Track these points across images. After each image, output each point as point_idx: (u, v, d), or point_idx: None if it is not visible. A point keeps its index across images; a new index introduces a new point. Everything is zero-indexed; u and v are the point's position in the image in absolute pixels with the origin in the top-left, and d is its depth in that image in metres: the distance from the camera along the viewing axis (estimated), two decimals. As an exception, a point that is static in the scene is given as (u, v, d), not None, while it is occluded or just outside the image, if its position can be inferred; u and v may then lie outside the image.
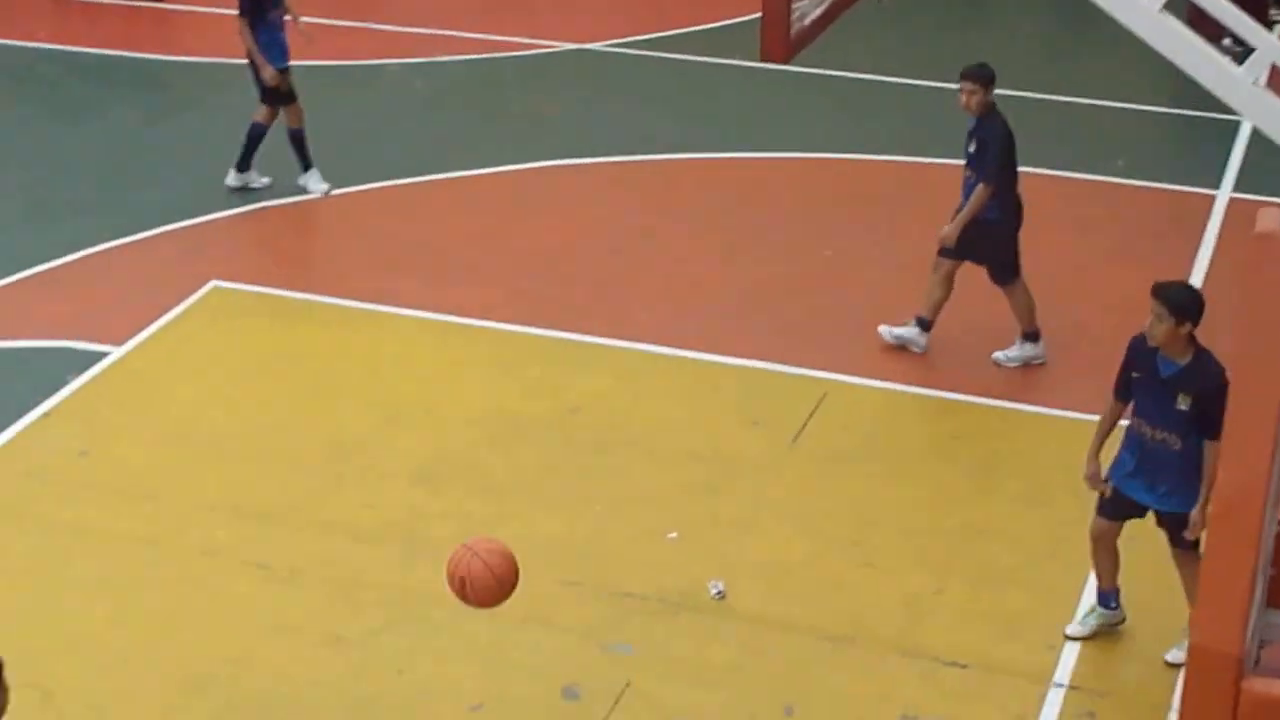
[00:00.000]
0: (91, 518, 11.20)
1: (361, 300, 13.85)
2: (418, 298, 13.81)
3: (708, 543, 10.92)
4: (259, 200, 15.62)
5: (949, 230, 12.57)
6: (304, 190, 15.69)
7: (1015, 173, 12.62)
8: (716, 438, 12.03)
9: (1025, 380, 12.76)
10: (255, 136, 15.59)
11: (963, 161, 12.69)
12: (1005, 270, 12.81)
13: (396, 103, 18.08)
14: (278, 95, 15.37)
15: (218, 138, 16.50)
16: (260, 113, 15.50)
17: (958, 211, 12.62)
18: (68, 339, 13.28)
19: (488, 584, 7.94)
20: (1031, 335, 12.98)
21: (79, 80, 18.80)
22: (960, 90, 12.53)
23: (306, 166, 15.71)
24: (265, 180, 15.85)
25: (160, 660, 9.92)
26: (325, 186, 15.70)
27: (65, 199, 15.85)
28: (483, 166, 16.41)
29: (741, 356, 12.96)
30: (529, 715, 9.47)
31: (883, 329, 13.04)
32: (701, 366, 12.93)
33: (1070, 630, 10.06)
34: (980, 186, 12.43)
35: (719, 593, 10.40)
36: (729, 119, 17.61)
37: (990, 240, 12.66)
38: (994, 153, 12.41)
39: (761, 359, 12.95)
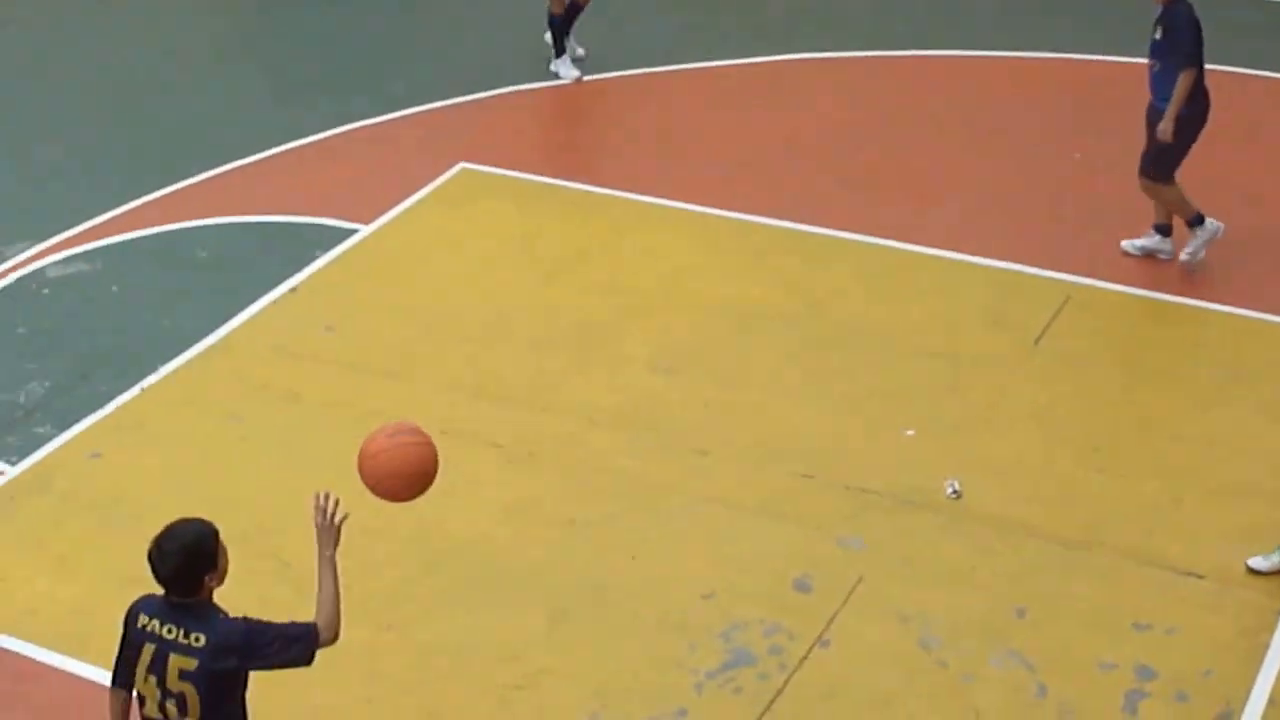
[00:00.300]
0: (335, 393, 11.40)
1: (607, 187, 13.89)
2: (662, 186, 13.81)
3: (944, 441, 10.84)
4: (509, 84, 15.69)
5: (1164, 125, 12.22)
6: (555, 76, 15.77)
7: (1202, 64, 12.20)
8: (957, 336, 11.92)
9: (1275, 291, 12.45)
10: (559, 24, 15.78)
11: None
12: (1161, 164, 12.40)
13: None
14: None
15: (472, 21, 16.61)
16: (554, 3, 15.67)
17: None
18: (317, 216, 13.50)
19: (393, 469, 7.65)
20: (1164, 228, 12.74)
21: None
22: None
23: (560, 52, 15.76)
24: (580, 51, 16.09)
25: (396, 537, 10.07)
26: (576, 73, 15.75)
27: (319, 79, 16.08)
28: (730, 58, 16.33)
29: (985, 256, 12.79)
30: (760, 605, 9.49)
31: (1124, 243, 12.80)
32: (944, 264, 12.79)
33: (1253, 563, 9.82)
34: (1183, 75, 12.02)
35: (955, 492, 10.32)
36: (975, 18, 17.33)
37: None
38: (1187, 36, 12.03)
39: (1005, 259, 12.78)
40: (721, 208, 13.50)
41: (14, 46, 17.18)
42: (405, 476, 7.63)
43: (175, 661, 6.75)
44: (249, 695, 6.93)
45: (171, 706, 6.80)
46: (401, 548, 9.99)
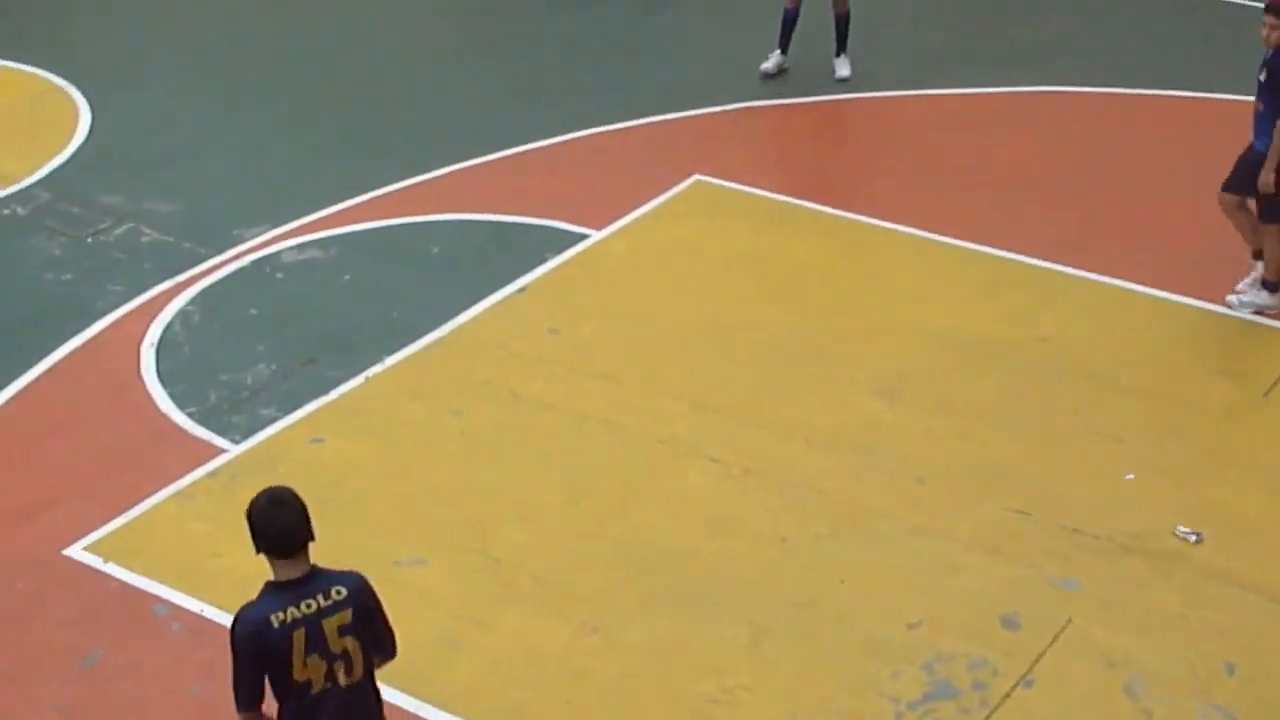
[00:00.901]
0: (555, 394, 11.47)
1: (839, 208, 13.83)
2: (896, 210, 13.72)
3: (1165, 487, 10.65)
4: (749, 99, 15.69)
5: (1263, 177, 11.94)
6: (831, 72, 15.92)
7: None
8: (1184, 381, 11.70)
9: None
10: (789, 20, 15.98)
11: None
12: (1273, 210, 12.09)
13: (886, 11, 17.89)
14: None
15: (713, 31, 16.64)
16: None
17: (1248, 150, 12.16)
18: (549, 218, 13.60)
19: None
20: (1272, 285, 12.40)
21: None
22: (1263, 23, 11.94)
23: (841, 50, 16.03)
24: (772, 63, 16.22)
25: (607, 541, 10.13)
26: (847, 73, 15.97)
27: (559, 82, 16.21)
28: (980, 85, 16.18)
29: (1216, 302, 12.55)
30: (965, 639, 9.39)
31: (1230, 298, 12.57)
32: (1177, 309, 12.55)
33: None
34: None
35: (1189, 536, 10.14)
36: (1242, 58, 17.02)
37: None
38: None
39: (1241, 310, 12.53)
40: (956, 236, 13.38)
41: (260, 42, 17.52)
42: None
43: (330, 624, 6.93)
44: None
45: (339, 670, 6.98)
46: (611, 552, 10.04)
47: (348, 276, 12.96)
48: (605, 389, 11.52)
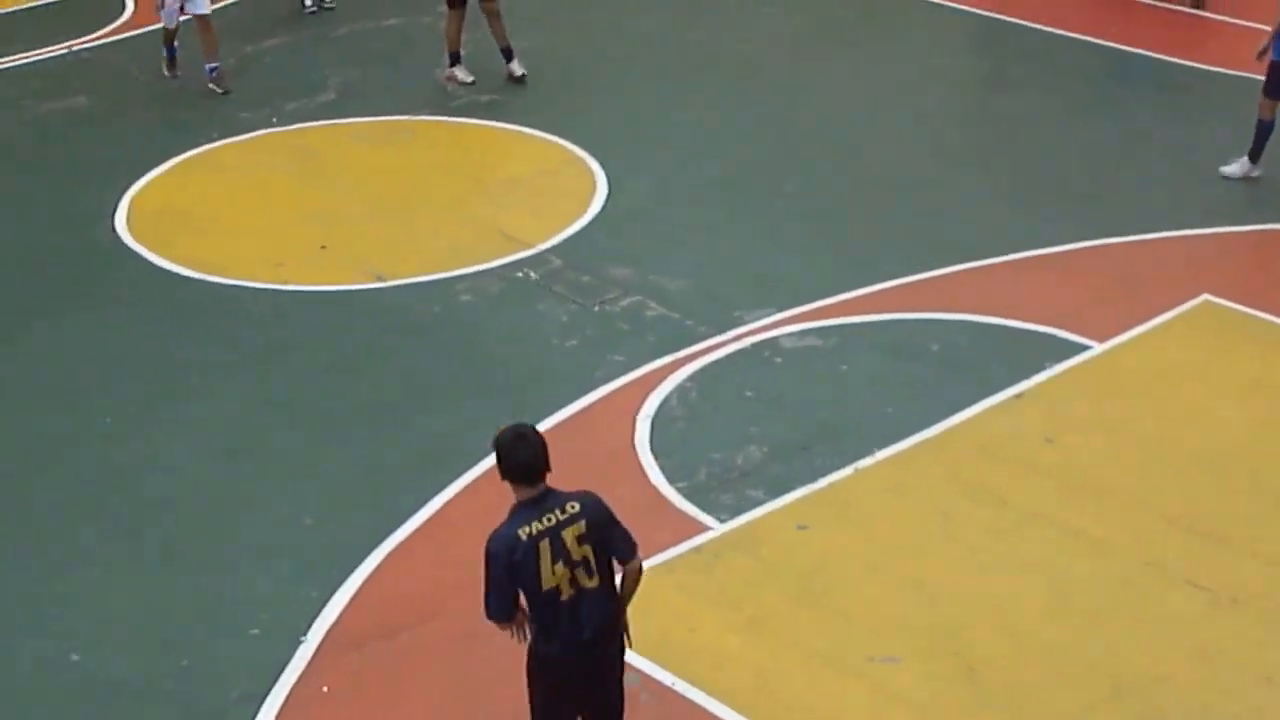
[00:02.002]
0: (1043, 504, 11.32)
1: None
2: None
3: None
4: (1266, 221, 15.28)
5: None
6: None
7: None
8: None
9: None
10: (1263, 130, 15.66)
11: None
12: None
13: None
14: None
15: (1211, 144, 16.35)
16: (1264, 107, 15.60)
17: None
18: (1051, 326, 13.42)
19: None
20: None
21: (1101, 73, 18.94)
22: None
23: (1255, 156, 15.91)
24: (1256, 172, 15.88)
25: (1085, 659, 9.94)
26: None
27: (1076, 188, 16.01)
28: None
29: None
30: None
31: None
32: None
33: None
34: None
35: None
36: None
37: None
38: None
39: None
40: None
41: (769, 128, 17.77)
42: None
43: (569, 534, 8.05)
44: None
45: (581, 574, 8.09)
46: (1087, 670, 9.84)
47: (844, 367, 13.02)
48: (1095, 504, 11.32)
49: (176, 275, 14.48)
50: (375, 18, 20.74)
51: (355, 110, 17.99)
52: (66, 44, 19.70)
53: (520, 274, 14.51)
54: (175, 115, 18.00)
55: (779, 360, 13.13)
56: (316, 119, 17.80)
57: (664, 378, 12.89)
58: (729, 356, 13.15)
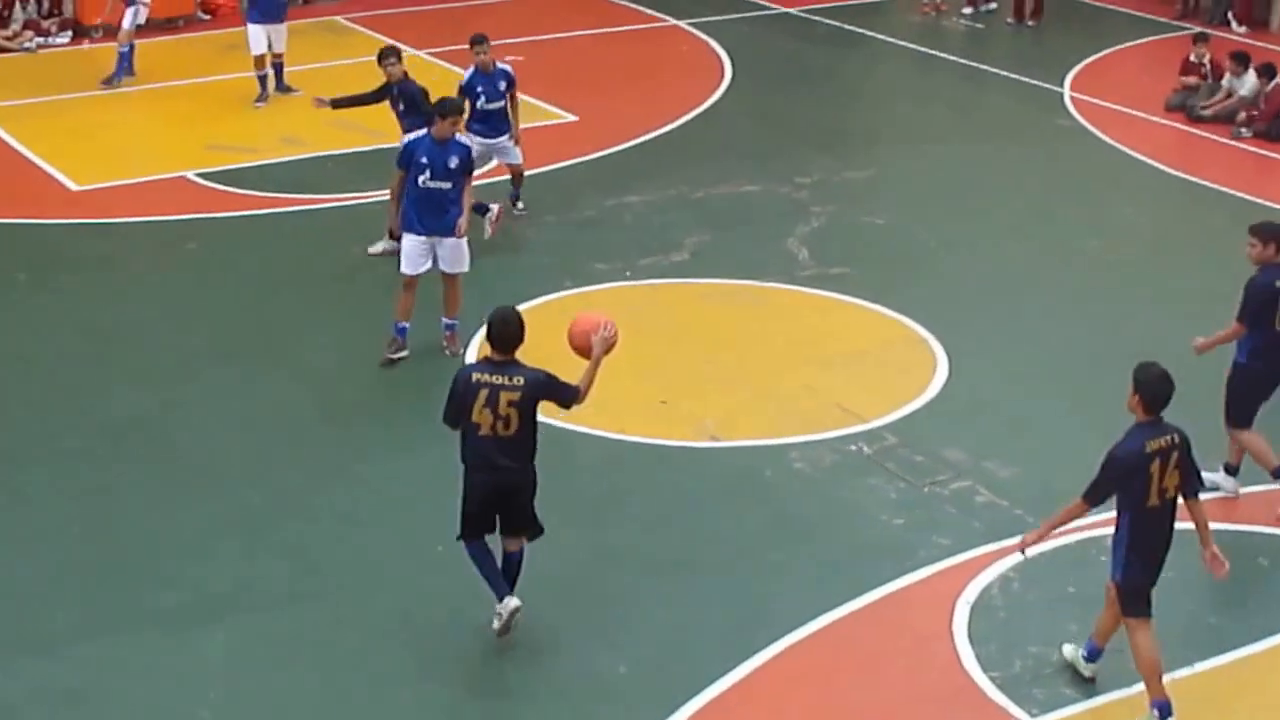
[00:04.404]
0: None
1: None
2: None
3: None
4: None
5: None
6: None
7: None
8: None
9: None
10: None
11: None
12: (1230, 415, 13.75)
13: None
14: None
15: None
16: None
17: None
18: None
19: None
20: (1233, 469, 13.90)
21: None
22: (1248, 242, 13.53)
23: None
24: None
25: None
26: None
27: None
28: None
29: None
30: None
31: None
32: None
33: None
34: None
35: None
36: None
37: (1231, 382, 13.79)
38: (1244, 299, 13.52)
39: None
40: None
41: (1129, 318, 17.54)
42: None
43: (504, 396, 11.21)
44: None
45: (500, 426, 11.24)
46: None
47: (1171, 574, 12.67)
48: None
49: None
50: (733, 183, 21.11)
51: (706, 271, 18.31)
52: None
53: (854, 447, 14.58)
54: (535, 261, 18.49)
55: (1104, 559, 12.92)
56: (668, 276, 18.15)
57: (987, 565, 12.84)
58: (1055, 550, 12.99)
